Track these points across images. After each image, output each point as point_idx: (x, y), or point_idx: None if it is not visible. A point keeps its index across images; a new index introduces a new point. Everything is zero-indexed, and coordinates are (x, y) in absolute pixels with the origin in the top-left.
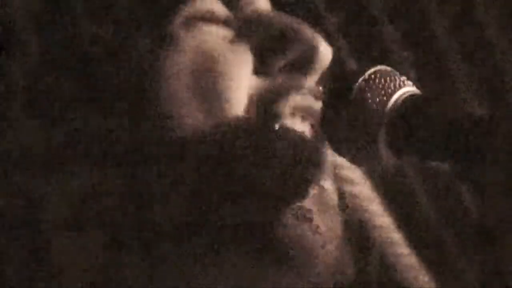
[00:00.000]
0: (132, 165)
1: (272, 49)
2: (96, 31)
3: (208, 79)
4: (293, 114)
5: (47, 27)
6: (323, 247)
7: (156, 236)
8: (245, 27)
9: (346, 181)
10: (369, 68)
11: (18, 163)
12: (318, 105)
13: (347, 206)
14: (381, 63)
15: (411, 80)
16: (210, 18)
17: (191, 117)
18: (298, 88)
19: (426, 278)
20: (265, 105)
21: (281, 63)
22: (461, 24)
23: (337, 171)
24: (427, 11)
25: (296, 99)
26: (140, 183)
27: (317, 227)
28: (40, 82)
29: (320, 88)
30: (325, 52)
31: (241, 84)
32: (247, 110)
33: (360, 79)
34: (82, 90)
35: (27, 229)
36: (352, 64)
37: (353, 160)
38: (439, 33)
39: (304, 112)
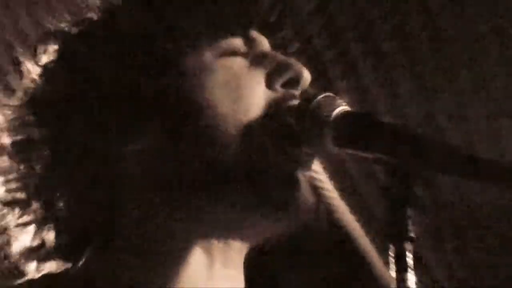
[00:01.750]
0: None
1: (275, 72)
2: (150, 50)
3: (236, 89)
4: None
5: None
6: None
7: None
8: (258, 59)
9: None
10: (322, 93)
11: None
12: None
13: (311, 185)
14: (326, 90)
15: (345, 101)
16: (235, 52)
17: (226, 116)
18: (292, 97)
19: (362, 232)
20: (278, 105)
21: (280, 82)
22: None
23: None
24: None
25: (292, 103)
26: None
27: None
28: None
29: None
30: (307, 77)
31: (259, 93)
32: (266, 108)
33: (315, 100)
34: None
35: None
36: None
37: (313, 152)
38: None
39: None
